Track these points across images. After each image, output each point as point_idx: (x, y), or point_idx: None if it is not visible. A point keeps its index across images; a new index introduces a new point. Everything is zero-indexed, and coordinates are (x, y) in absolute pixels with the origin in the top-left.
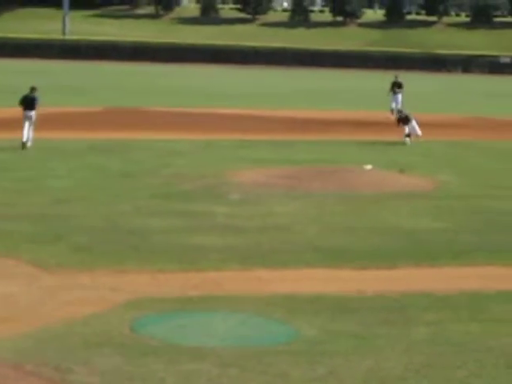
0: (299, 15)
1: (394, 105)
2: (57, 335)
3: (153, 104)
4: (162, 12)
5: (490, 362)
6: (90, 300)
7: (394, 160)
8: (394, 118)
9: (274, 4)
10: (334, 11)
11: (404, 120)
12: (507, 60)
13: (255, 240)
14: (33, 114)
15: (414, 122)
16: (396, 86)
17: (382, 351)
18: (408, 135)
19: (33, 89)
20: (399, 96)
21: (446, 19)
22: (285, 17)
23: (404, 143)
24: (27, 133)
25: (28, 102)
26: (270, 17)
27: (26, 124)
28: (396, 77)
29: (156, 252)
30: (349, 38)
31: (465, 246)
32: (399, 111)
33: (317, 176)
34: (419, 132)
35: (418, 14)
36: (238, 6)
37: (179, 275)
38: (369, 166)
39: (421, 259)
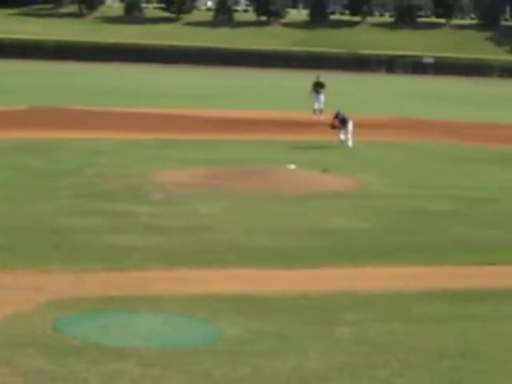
0: (223, 15)
1: (316, 105)
2: None
3: (76, 103)
4: (85, 11)
5: (411, 362)
6: (12, 300)
7: (318, 160)
8: (316, 118)
9: (198, 3)
10: (258, 11)
11: (341, 121)
12: (430, 60)
13: (179, 240)
14: None
15: (349, 128)
16: (318, 86)
17: (305, 351)
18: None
19: None
20: (321, 96)
21: (370, 19)
22: (209, 16)
23: (343, 144)
24: None
25: None
26: (194, 16)
27: None
28: (317, 77)
29: (79, 252)
30: (273, 38)
31: (387, 245)
32: (337, 112)
33: (241, 176)
34: (350, 143)
35: (342, 13)
36: (162, 6)
37: (102, 275)
38: (292, 166)
39: (344, 259)
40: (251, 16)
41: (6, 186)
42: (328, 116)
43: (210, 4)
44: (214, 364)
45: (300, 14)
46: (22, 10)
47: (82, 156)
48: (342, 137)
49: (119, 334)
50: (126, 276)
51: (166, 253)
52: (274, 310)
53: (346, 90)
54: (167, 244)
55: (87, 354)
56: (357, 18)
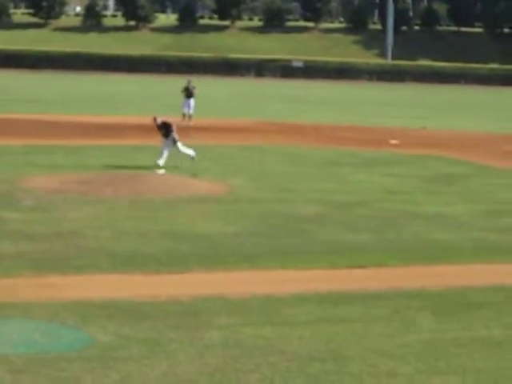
0: (92, 19)
1: (186, 110)
2: None
3: None
4: None
5: (282, 365)
6: None
7: (187, 165)
8: (185, 123)
9: (67, 9)
10: (127, 16)
11: (163, 127)
12: (299, 64)
13: (48, 246)
14: None
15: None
16: (189, 91)
17: (175, 356)
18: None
19: None
20: (191, 101)
21: (239, 23)
22: (78, 21)
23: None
24: None
25: None
26: (63, 21)
27: None
28: (188, 82)
29: None
30: (142, 43)
31: (256, 249)
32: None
33: (110, 181)
34: (190, 152)
35: (210, 18)
36: (31, 11)
37: None
38: (161, 171)
39: (213, 263)
40: (120, 21)
41: None
42: (197, 121)
43: (78, 9)
44: (84, 370)
45: (169, 18)
46: None
47: None
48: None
49: None
50: None
51: (36, 259)
52: (144, 316)
53: (215, 94)
54: (37, 250)
55: None
56: (226, 23)
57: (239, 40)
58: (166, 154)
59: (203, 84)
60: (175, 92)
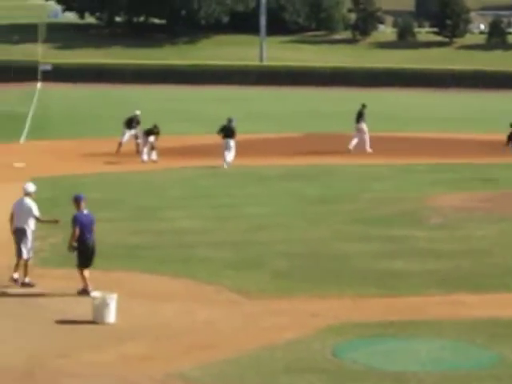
0: (496, 37)
1: None
2: (258, 361)
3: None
4: (359, 37)
5: None
6: (290, 326)
7: None
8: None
9: (471, 27)
10: None
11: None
12: None
13: (456, 264)
14: (231, 142)
15: None
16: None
17: None
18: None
19: (230, 120)
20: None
21: None
22: (482, 39)
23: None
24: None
25: (227, 132)
26: (467, 40)
27: (226, 151)
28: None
29: (356, 277)
30: None
31: None
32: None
33: None
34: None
35: None
36: (435, 30)
37: (379, 300)
38: None
39: None
40: None
41: (280, 212)
42: None
43: (482, 27)
44: None
45: None
46: (295, 37)
47: (357, 182)
48: None
49: (399, 359)
50: (404, 301)
51: (444, 277)
52: None
53: None
54: (444, 268)
55: (368, 379)
56: None
57: None
58: None
59: None
60: None
